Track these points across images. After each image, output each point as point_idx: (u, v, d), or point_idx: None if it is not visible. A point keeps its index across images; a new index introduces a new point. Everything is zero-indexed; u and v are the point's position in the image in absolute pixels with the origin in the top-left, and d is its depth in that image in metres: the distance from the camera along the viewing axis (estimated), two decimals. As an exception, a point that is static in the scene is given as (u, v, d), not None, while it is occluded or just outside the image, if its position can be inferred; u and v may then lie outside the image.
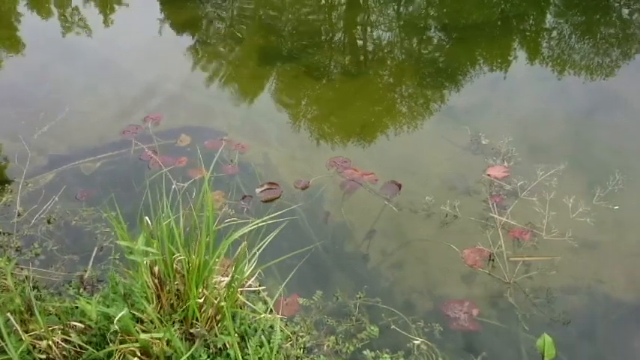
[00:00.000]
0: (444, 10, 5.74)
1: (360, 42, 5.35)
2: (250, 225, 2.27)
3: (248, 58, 5.00)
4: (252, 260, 2.32)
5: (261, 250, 2.31)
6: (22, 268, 2.95)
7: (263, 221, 2.30)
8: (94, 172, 3.69)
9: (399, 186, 3.32)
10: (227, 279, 2.28)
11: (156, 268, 2.18)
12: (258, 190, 3.37)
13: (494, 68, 4.74)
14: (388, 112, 4.10)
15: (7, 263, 2.17)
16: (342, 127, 4.01)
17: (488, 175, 3.39)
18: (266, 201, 3.33)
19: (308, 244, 2.98)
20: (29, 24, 5.77)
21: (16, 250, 3.05)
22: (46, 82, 4.70)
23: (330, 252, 3.02)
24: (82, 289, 2.77)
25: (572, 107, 4.17)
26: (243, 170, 3.59)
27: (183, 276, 2.16)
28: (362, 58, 5.08)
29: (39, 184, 3.53)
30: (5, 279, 2.22)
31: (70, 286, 2.78)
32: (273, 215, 2.42)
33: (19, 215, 3.27)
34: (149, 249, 2.01)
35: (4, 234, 3.12)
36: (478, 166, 3.50)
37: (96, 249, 3.02)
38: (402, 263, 2.95)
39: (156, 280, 2.17)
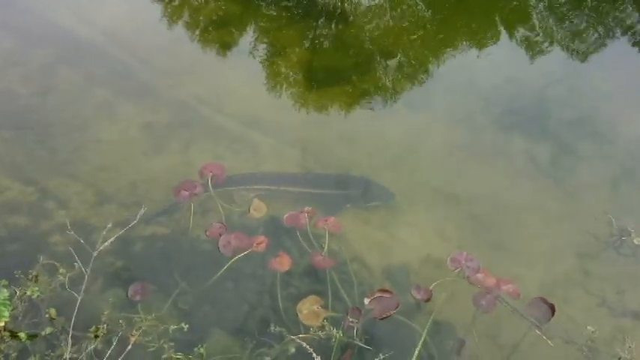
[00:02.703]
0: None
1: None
2: None
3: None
4: None
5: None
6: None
7: None
8: (143, 248, 2.87)
9: (552, 307, 2.60)
10: None
11: None
12: (367, 301, 2.61)
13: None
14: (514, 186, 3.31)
15: None
16: (463, 208, 3.20)
17: (653, 293, 2.74)
18: (382, 318, 2.58)
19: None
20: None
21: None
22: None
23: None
24: None
25: None
26: (337, 260, 2.82)
27: None
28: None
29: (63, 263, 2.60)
30: None
31: None
32: None
33: (51, 320, 2.44)
34: None
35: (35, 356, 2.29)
36: (633, 276, 2.83)
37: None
38: None
39: None
